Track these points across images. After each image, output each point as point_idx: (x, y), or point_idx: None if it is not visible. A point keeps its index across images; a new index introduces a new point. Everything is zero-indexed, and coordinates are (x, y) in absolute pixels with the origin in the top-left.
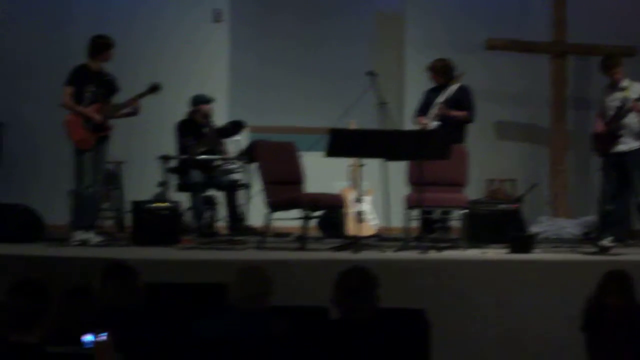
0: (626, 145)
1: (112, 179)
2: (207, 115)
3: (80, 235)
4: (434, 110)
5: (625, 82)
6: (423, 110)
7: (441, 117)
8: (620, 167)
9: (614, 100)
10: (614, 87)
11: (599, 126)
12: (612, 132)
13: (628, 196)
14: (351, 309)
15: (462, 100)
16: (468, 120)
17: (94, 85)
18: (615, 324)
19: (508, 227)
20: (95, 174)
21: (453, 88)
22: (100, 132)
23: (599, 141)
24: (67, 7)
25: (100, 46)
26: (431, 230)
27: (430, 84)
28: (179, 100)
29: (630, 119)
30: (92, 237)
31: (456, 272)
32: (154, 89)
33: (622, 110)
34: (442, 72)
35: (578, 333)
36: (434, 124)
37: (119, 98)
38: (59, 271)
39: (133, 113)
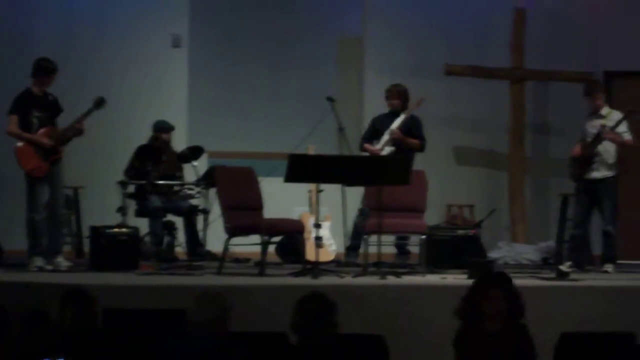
0: (599, 172)
1: (70, 204)
2: (166, 142)
3: (38, 262)
4: (387, 137)
5: (605, 110)
6: (370, 137)
7: (396, 143)
8: (592, 193)
9: (593, 127)
10: (594, 113)
11: (576, 151)
12: (587, 158)
13: (592, 223)
14: (310, 335)
15: (413, 129)
16: (421, 148)
17: (39, 110)
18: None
19: (467, 253)
20: (54, 198)
21: (405, 116)
22: (52, 157)
23: (575, 166)
24: (28, 33)
25: (45, 69)
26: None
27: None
28: (140, 126)
29: (605, 147)
30: (61, 261)
31: (415, 297)
32: (99, 103)
33: (599, 137)
34: (399, 97)
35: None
36: (386, 150)
37: (65, 118)
38: (17, 297)
39: (78, 133)
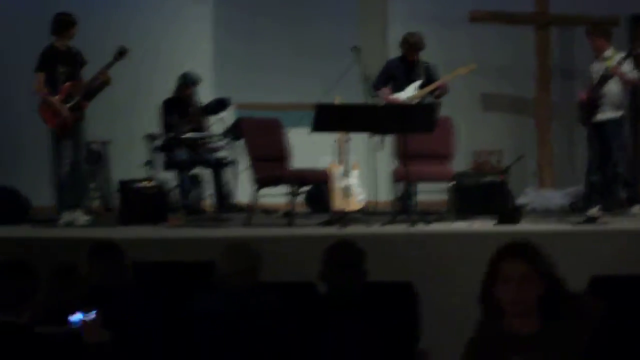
0: (604, 114)
1: (98, 159)
2: (190, 95)
3: (67, 217)
4: (412, 93)
5: (609, 52)
6: (385, 81)
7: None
8: (600, 136)
9: (598, 69)
10: (598, 56)
11: (582, 95)
12: (593, 101)
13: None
14: (339, 283)
15: (434, 77)
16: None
17: (64, 65)
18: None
19: (495, 199)
20: (75, 155)
21: (426, 66)
22: (75, 113)
23: (583, 110)
24: None
25: (65, 23)
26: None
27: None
28: (164, 79)
29: (610, 88)
30: (79, 216)
31: (443, 244)
32: (121, 54)
33: (604, 79)
34: (417, 46)
35: None
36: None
37: (89, 70)
38: (46, 252)
39: (106, 83)
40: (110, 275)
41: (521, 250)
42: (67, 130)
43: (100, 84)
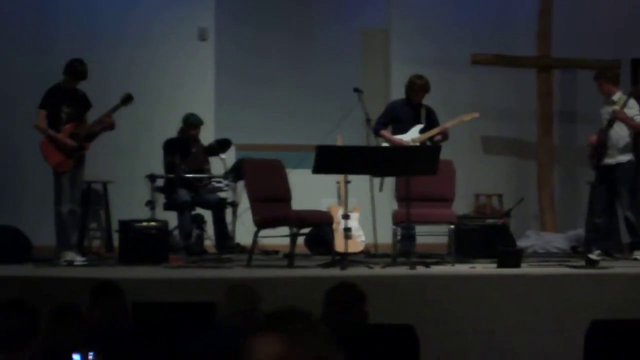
0: (613, 158)
1: (99, 199)
2: (194, 136)
3: (66, 256)
4: (415, 136)
5: (616, 96)
6: (386, 123)
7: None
8: (609, 180)
9: (606, 113)
10: (607, 100)
11: (592, 138)
12: (602, 145)
13: (616, 209)
14: (340, 325)
15: (434, 121)
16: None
17: (68, 106)
18: None
19: (496, 242)
20: (73, 195)
21: (427, 110)
22: (76, 153)
23: (592, 154)
24: (53, 29)
25: (79, 73)
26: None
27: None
28: (165, 120)
29: (617, 132)
30: (75, 257)
31: (445, 287)
32: (126, 100)
33: (611, 123)
34: (424, 89)
35: (568, 346)
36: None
37: (92, 110)
38: (47, 291)
39: (109, 128)
40: (111, 316)
41: (281, 321)
42: (67, 168)
43: (102, 128)
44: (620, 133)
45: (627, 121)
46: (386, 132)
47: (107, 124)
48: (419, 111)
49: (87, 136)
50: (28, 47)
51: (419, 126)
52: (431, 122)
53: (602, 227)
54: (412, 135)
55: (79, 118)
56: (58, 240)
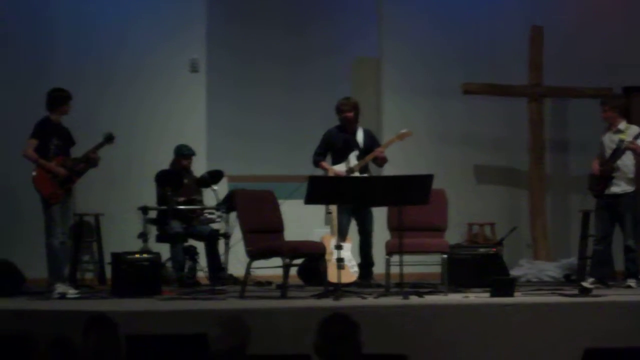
0: (619, 187)
1: (91, 232)
2: (186, 167)
3: (59, 288)
4: (353, 164)
5: (622, 125)
6: (324, 153)
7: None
8: (612, 208)
9: (612, 141)
10: (611, 128)
11: (595, 167)
12: (607, 174)
13: (613, 238)
14: (334, 356)
15: (375, 143)
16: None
17: (58, 138)
18: None
19: (489, 271)
20: (65, 227)
21: (364, 134)
22: (67, 185)
23: (594, 182)
24: (47, 61)
25: (59, 99)
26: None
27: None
28: (158, 151)
29: (625, 162)
30: (68, 289)
31: (438, 317)
32: (109, 139)
33: (618, 152)
34: (353, 109)
35: None
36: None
37: (83, 141)
38: (40, 325)
39: (93, 165)
40: (105, 349)
41: None
42: (59, 199)
43: (87, 164)
44: (627, 163)
45: (638, 151)
46: (324, 163)
47: (92, 161)
48: (354, 136)
49: (75, 172)
50: (19, 81)
51: (355, 152)
52: (371, 144)
53: (600, 254)
54: (349, 164)
55: (66, 152)
56: (50, 272)
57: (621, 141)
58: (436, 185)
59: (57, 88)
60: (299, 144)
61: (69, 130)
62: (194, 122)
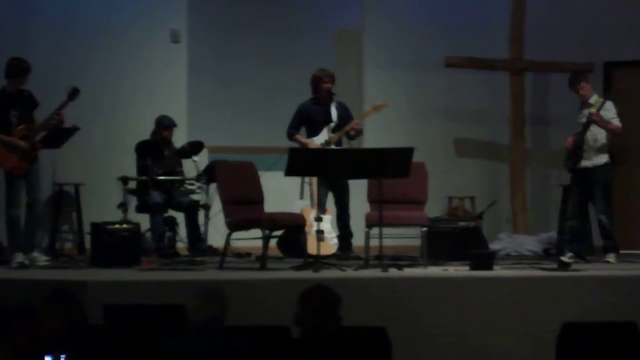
0: (590, 161)
1: (71, 201)
2: (167, 138)
3: (18, 258)
4: (327, 137)
5: (593, 98)
6: (297, 127)
7: (351, 136)
8: (584, 183)
9: (583, 116)
10: (583, 103)
11: (569, 141)
12: (578, 147)
13: (589, 213)
14: (314, 328)
15: (347, 116)
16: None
17: (17, 109)
18: None
19: (468, 244)
20: (33, 195)
21: (338, 106)
22: (29, 155)
23: (568, 156)
24: (26, 35)
25: (18, 69)
26: None
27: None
28: (140, 122)
29: (594, 134)
30: (38, 256)
31: (417, 289)
32: (73, 94)
33: (587, 125)
34: (330, 81)
35: (539, 349)
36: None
37: (70, 112)
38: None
39: (60, 123)
40: (69, 319)
41: None
42: (22, 170)
43: (54, 124)
44: (597, 136)
45: (603, 124)
46: (299, 136)
47: (56, 121)
48: (329, 109)
49: (49, 139)
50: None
51: (331, 125)
52: (345, 117)
53: (575, 229)
54: (325, 136)
55: (28, 119)
56: (9, 242)
57: (590, 114)
58: (417, 158)
59: (17, 57)
60: (280, 116)
61: (30, 92)
62: (175, 93)
